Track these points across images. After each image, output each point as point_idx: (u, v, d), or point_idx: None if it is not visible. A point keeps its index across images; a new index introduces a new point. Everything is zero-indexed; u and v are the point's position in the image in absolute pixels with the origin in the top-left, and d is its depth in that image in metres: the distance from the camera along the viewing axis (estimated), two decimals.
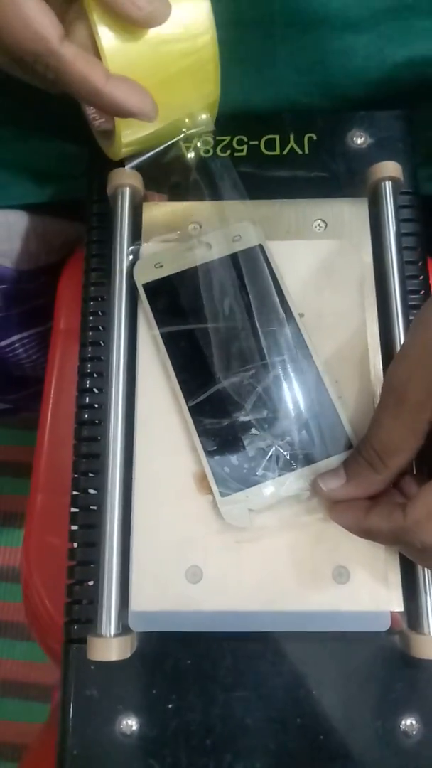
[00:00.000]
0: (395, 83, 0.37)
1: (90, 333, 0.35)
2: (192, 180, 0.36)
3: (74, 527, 0.32)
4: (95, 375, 0.34)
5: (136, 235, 0.35)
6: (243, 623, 0.30)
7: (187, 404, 0.31)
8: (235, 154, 0.37)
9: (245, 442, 0.31)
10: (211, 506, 0.31)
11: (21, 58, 0.27)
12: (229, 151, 0.37)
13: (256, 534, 0.30)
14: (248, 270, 0.33)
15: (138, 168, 0.35)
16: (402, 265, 0.34)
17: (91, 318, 0.35)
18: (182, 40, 0.29)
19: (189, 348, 0.32)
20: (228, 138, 0.37)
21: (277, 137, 0.38)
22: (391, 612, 0.29)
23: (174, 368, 0.32)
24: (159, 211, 0.36)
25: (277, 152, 0.37)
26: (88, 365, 0.34)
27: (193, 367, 0.32)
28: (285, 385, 0.32)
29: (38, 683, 0.84)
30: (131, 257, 0.34)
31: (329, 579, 0.30)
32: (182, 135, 0.34)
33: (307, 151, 0.37)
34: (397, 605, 0.29)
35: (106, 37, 0.28)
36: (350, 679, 0.29)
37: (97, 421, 0.33)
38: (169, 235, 0.35)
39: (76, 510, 0.32)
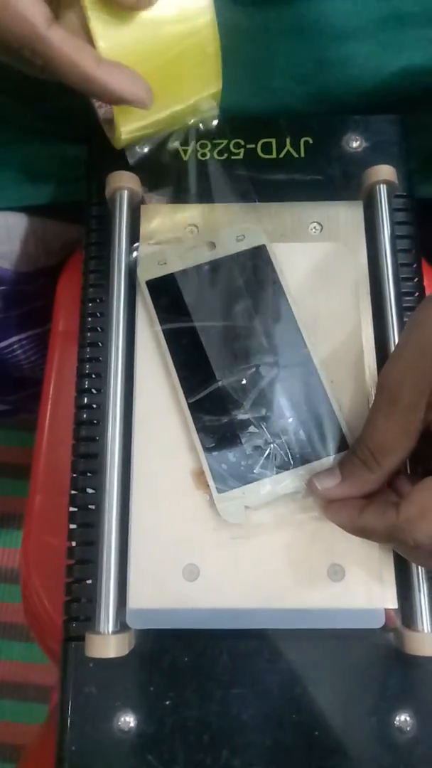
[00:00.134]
0: (391, 91, 0.38)
1: (89, 334, 0.35)
2: (190, 183, 0.37)
3: (73, 526, 0.32)
4: (94, 376, 0.34)
5: (134, 238, 0.35)
6: (239, 620, 0.30)
7: (186, 401, 0.32)
8: (232, 157, 0.38)
9: (243, 440, 0.31)
10: (208, 505, 0.31)
11: (7, 44, 0.26)
12: (226, 155, 0.38)
13: (253, 532, 0.31)
14: (251, 270, 0.34)
15: (140, 162, 0.34)
16: (396, 267, 0.34)
17: (89, 319, 0.35)
18: (179, 22, 0.28)
19: (190, 345, 0.33)
20: (225, 141, 0.38)
21: (273, 141, 0.38)
22: (386, 609, 0.30)
23: (175, 365, 0.32)
24: (157, 213, 0.36)
25: (274, 155, 0.38)
26: (87, 366, 0.34)
27: (193, 364, 0.32)
28: (284, 385, 0.32)
29: (37, 684, 0.84)
30: (132, 256, 0.34)
31: (324, 577, 0.30)
32: (187, 122, 0.32)
33: (303, 155, 0.38)
34: (392, 602, 0.30)
35: (98, 21, 0.27)
36: (345, 676, 0.30)
37: (95, 421, 0.33)
38: (167, 237, 0.36)
39: (75, 509, 0.32)
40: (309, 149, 0.38)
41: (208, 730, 0.29)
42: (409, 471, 0.30)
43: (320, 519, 0.30)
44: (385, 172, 0.35)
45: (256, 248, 0.35)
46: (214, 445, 0.31)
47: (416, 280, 0.36)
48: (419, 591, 0.29)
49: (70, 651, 0.30)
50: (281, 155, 0.38)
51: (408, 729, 0.29)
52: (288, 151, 0.38)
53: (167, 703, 0.30)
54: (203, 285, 0.34)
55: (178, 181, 0.37)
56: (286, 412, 0.32)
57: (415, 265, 0.36)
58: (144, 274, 0.34)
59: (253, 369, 0.32)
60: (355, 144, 0.38)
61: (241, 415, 0.31)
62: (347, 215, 0.36)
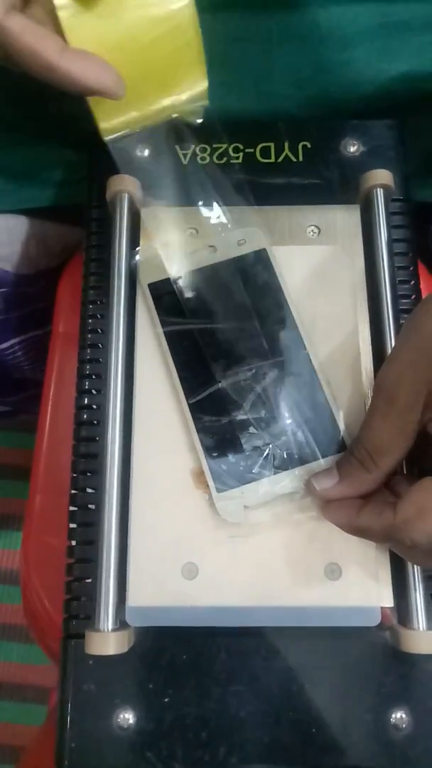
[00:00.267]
0: (388, 96, 0.38)
1: (89, 335, 0.35)
2: (189, 186, 0.37)
3: (73, 525, 0.33)
4: (94, 376, 0.35)
5: (134, 240, 0.36)
6: (238, 618, 0.30)
7: (187, 402, 0.32)
8: (231, 161, 0.38)
9: (242, 441, 0.31)
10: (207, 504, 0.31)
11: None
12: (225, 159, 0.38)
13: (251, 531, 0.31)
14: (252, 273, 0.34)
15: (132, 166, 0.33)
16: (393, 270, 0.35)
17: (90, 321, 0.36)
18: (154, 5, 0.26)
19: (191, 347, 0.33)
20: (224, 145, 0.38)
21: (272, 145, 0.38)
22: (382, 608, 0.30)
23: (176, 366, 0.33)
24: (157, 216, 0.37)
25: (272, 160, 0.38)
26: (87, 367, 0.35)
27: (194, 365, 0.33)
28: (283, 387, 0.32)
29: (36, 685, 0.84)
30: (135, 259, 0.35)
31: (322, 575, 0.30)
32: (174, 111, 0.31)
33: (301, 159, 0.38)
34: (388, 601, 0.30)
35: (66, 8, 0.25)
36: (342, 674, 0.30)
37: (95, 422, 0.34)
38: (167, 240, 0.36)
39: (75, 508, 0.33)
40: (307, 153, 0.38)
41: (206, 727, 0.30)
42: (406, 471, 0.30)
43: (318, 519, 0.31)
44: (382, 177, 0.36)
45: (257, 252, 0.35)
46: (213, 445, 0.31)
47: (413, 282, 0.36)
48: (415, 589, 0.30)
49: (70, 648, 0.31)
50: (280, 159, 0.38)
51: (404, 726, 0.30)
52: (286, 155, 0.38)
53: (166, 700, 0.30)
54: (204, 288, 0.34)
55: (177, 185, 0.37)
56: (285, 413, 0.32)
57: (411, 268, 0.36)
58: (146, 277, 0.35)
59: (253, 370, 0.33)
60: (352, 148, 0.38)
61: (241, 416, 0.32)
62: (345, 219, 0.37)
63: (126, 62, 0.27)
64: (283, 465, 0.31)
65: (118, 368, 0.33)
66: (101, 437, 0.32)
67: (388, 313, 0.34)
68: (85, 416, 0.34)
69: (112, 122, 0.30)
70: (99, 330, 0.35)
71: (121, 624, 0.30)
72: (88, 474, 0.33)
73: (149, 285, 0.34)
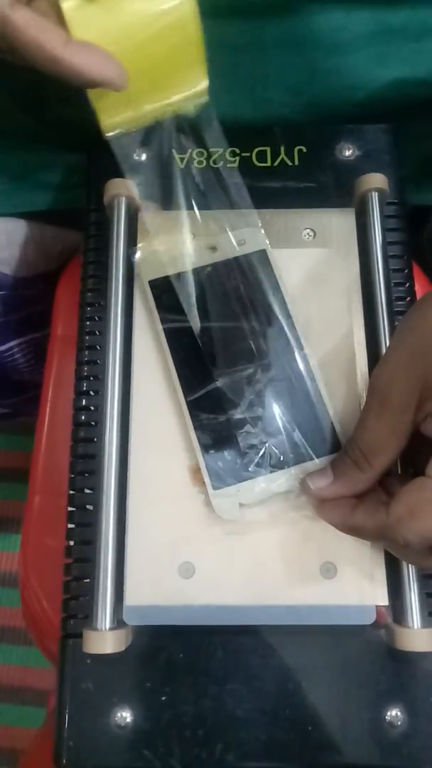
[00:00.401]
0: (382, 102, 0.39)
1: (87, 337, 0.36)
2: (186, 190, 0.37)
3: (71, 526, 0.33)
4: (92, 378, 0.35)
5: (131, 244, 0.36)
6: (234, 617, 0.31)
7: (185, 399, 0.32)
8: (228, 165, 0.38)
9: (239, 439, 0.32)
10: (204, 504, 0.32)
11: None
12: (221, 163, 0.38)
13: (247, 530, 0.31)
14: (252, 273, 0.35)
15: (129, 169, 0.33)
16: (388, 272, 0.35)
17: (87, 323, 0.36)
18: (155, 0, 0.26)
19: (190, 345, 0.33)
20: (221, 150, 0.38)
21: (268, 149, 0.39)
22: (377, 606, 0.31)
23: (175, 364, 0.33)
24: (154, 220, 0.37)
25: (269, 164, 0.39)
26: (85, 369, 0.35)
27: (193, 363, 0.33)
28: (281, 386, 0.33)
29: (34, 688, 0.84)
30: (136, 256, 0.35)
31: (317, 574, 0.31)
32: (173, 104, 0.31)
33: (297, 163, 0.39)
34: (382, 600, 0.31)
35: (68, 1, 0.25)
36: (337, 672, 0.30)
37: (93, 423, 0.34)
38: (164, 243, 0.37)
39: (73, 509, 0.33)
40: (303, 158, 0.39)
41: (203, 725, 0.30)
42: (400, 471, 0.31)
43: (313, 518, 0.31)
44: (376, 180, 0.36)
45: (257, 252, 0.35)
46: (210, 442, 0.32)
47: (407, 285, 0.37)
48: (409, 588, 0.30)
49: (68, 648, 0.31)
50: (276, 163, 0.39)
51: (399, 724, 0.30)
52: (282, 159, 0.39)
53: (163, 698, 0.30)
54: (204, 286, 0.34)
55: (174, 189, 0.37)
56: (281, 413, 0.32)
57: (406, 271, 0.37)
58: (147, 275, 0.35)
59: (251, 370, 0.33)
60: (347, 152, 0.39)
61: (238, 415, 0.32)
62: (340, 222, 0.37)
63: (127, 56, 0.27)
64: (279, 464, 0.31)
65: (116, 370, 0.33)
66: (99, 438, 0.32)
67: (382, 315, 0.34)
68: (83, 417, 0.34)
69: (113, 118, 0.30)
70: (97, 332, 0.36)
71: (118, 623, 0.30)
72: (86, 474, 0.33)
73: (150, 282, 0.35)
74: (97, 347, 0.35)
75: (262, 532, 0.31)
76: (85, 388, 0.35)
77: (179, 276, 0.35)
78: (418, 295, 0.38)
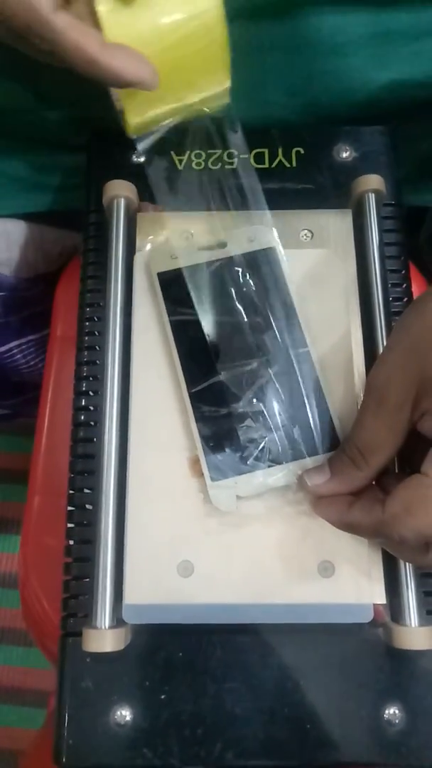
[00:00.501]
0: (379, 103, 0.39)
1: (86, 338, 0.36)
2: (185, 192, 0.38)
3: (71, 525, 0.33)
4: (91, 378, 0.35)
5: (131, 244, 0.36)
6: (233, 615, 0.31)
7: (188, 391, 0.33)
8: (226, 166, 0.39)
9: (239, 432, 0.32)
10: (203, 503, 0.32)
11: (15, 30, 0.27)
12: (220, 164, 0.39)
13: (244, 523, 0.31)
14: (259, 269, 0.35)
15: (147, 151, 0.34)
16: (385, 273, 0.35)
17: (87, 323, 0.36)
18: (185, 4, 0.28)
19: (196, 338, 0.34)
20: (219, 151, 0.39)
21: (266, 151, 0.39)
22: (374, 604, 0.31)
23: (179, 355, 0.33)
24: (153, 221, 0.37)
25: (266, 165, 0.39)
26: (85, 369, 0.35)
27: (197, 356, 0.33)
28: (283, 382, 0.33)
29: (35, 689, 0.84)
30: (146, 249, 0.36)
31: (315, 573, 0.31)
32: (197, 107, 0.32)
33: (294, 165, 0.39)
34: (380, 598, 0.31)
35: (104, 5, 0.27)
36: (336, 670, 0.31)
37: (93, 423, 0.34)
38: (171, 239, 0.37)
39: (73, 508, 0.33)
40: (300, 159, 0.39)
41: (202, 723, 0.30)
42: (397, 470, 0.31)
43: (311, 516, 0.31)
44: (373, 182, 0.36)
45: (266, 249, 0.35)
46: (211, 435, 0.32)
47: (404, 286, 0.37)
48: (407, 587, 0.30)
49: (67, 646, 0.31)
50: (273, 165, 0.39)
51: (397, 722, 0.30)
52: (280, 161, 0.39)
53: (162, 696, 0.30)
54: (212, 281, 0.35)
55: (173, 190, 0.38)
56: (282, 409, 0.33)
57: (403, 272, 0.37)
58: (156, 267, 0.35)
59: (255, 365, 0.33)
60: (344, 154, 0.39)
61: (239, 409, 0.32)
62: (337, 223, 0.37)
63: (157, 57, 0.28)
64: (278, 459, 0.32)
65: (115, 369, 0.33)
66: (98, 438, 0.33)
67: (379, 315, 0.34)
68: (82, 417, 0.35)
69: (140, 118, 0.31)
70: (96, 332, 0.36)
71: (118, 621, 0.30)
72: (86, 474, 0.34)
73: (158, 274, 0.35)
74: (97, 347, 0.36)
75: (261, 530, 0.31)
76: (84, 388, 0.35)
77: (189, 269, 0.35)
78: (415, 296, 0.38)
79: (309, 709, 0.30)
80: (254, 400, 0.32)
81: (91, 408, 0.35)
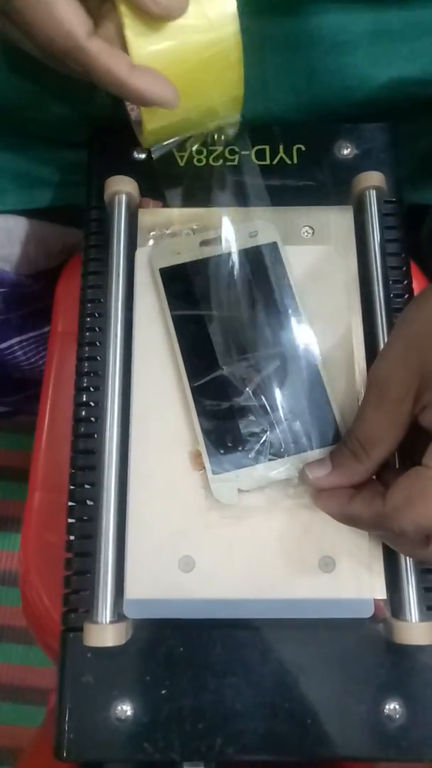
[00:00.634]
0: (380, 101, 0.39)
1: (87, 334, 0.36)
2: (186, 188, 0.38)
3: (71, 520, 0.33)
4: (92, 374, 0.35)
5: (131, 240, 0.36)
6: (233, 610, 0.31)
7: (190, 385, 0.33)
8: (227, 163, 0.39)
9: (241, 426, 0.32)
10: (204, 498, 0.32)
11: (53, 54, 0.29)
12: (221, 161, 0.39)
13: (245, 516, 0.31)
14: (261, 264, 0.35)
15: (163, 157, 0.36)
16: (386, 269, 0.35)
17: (88, 319, 0.36)
18: (206, 32, 0.30)
19: (198, 332, 0.34)
20: (220, 148, 0.39)
21: (267, 148, 0.39)
22: (375, 600, 0.31)
23: (181, 350, 0.33)
24: (154, 216, 0.37)
25: (268, 162, 0.39)
26: (86, 365, 0.35)
27: (199, 350, 0.34)
28: (285, 376, 0.33)
29: (34, 687, 0.84)
30: (148, 243, 0.36)
31: (316, 568, 0.31)
32: (209, 126, 0.35)
33: (295, 161, 0.39)
34: (380, 593, 0.31)
35: (132, 30, 0.29)
36: (336, 665, 0.31)
37: (93, 419, 0.34)
38: (172, 235, 0.37)
39: (73, 504, 0.33)
40: (301, 156, 0.39)
41: (203, 717, 0.30)
42: (398, 464, 0.31)
43: (312, 511, 0.31)
44: (374, 179, 0.36)
45: (268, 245, 0.36)
46: (212, 428, 0.32)
47: (405, 282, 0.37)
48: (407, 582, 0.30)
49: (68, 641, 0.31)
50: (275, 162, 0.39)
51: (397, 717, 0.30)
52: (281, 157, 0.39)
53: (163, 691, 0.30)
54: (214, 276, 0.35)
55: (174, 186, 0.38)
56: (284, 403, 0.33)
57: (404, 268, 0.37)
58: (158, 262, 0.35)
59: (256, 359, 0.33)
60: (345, 151, 0.39)
61: (241, 402, 0.32)
62: (338, 219, 0.37)
63: (178, 78, 0.30)
64: (279, 452, 0.32)
65: (116, 365, 0.33)
66: (99, 434, 0.33)
67: (380, 311, 0.34)
68: (83, 413, 0.35)
69: (157, 133, 0.34)
70: (97, 328, 0.36)
71: (118, 616, 0.30)
72: (87, 470, 0.34)
73: (161, 269, 0.35)
74: (98, 343, 0.36)
75: (261, 526, 0.32)
76: (85, 384, 0.35)
77: (190, 265, 0.35)
78: (416, 293, 0.38)
79: (309, 704, 0.30)
80: (256, 394, 0.32)
81: (92, 404, 0.35)
